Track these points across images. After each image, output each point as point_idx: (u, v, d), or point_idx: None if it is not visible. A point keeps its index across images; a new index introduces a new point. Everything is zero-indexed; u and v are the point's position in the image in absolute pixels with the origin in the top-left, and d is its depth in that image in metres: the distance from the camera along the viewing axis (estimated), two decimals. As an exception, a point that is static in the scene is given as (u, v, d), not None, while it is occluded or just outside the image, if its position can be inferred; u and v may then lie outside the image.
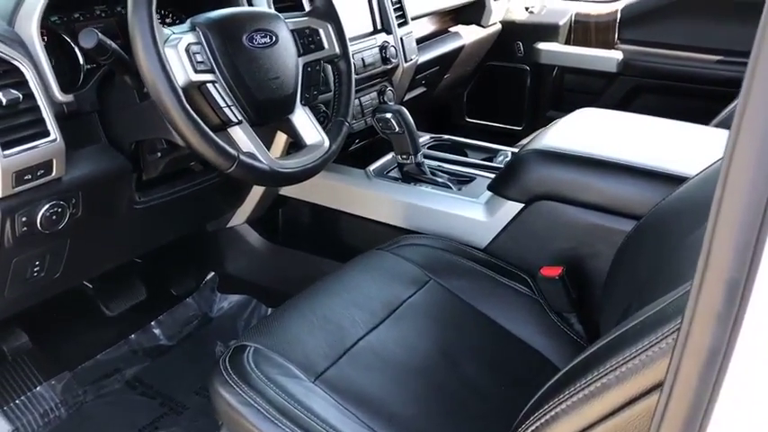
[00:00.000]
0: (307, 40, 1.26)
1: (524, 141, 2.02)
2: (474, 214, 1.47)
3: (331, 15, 1.31)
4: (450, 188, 1.57)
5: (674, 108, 1.97)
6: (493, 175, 1.59)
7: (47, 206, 1.08)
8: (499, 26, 2.44)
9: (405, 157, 1.59)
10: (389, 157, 1.72)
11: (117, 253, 1.42)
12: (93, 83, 1.17)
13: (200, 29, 1.09)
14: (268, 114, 1.19)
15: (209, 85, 1.07)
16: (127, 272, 1.64)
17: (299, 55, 1.24)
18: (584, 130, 1.49)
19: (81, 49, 1.13)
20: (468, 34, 2.26)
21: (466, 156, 1.78)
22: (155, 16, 0.99)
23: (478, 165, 1.67)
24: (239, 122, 1.10)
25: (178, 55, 1.03)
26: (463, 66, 2.34)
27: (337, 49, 1.31)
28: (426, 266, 1.35)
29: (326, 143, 1.25)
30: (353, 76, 1.35)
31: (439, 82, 2.24)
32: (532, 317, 1.31)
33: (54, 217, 1.10)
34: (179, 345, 1.79)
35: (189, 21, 1.11)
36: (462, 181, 1.61)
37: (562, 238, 1.35)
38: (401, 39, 1.81)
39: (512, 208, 1.41)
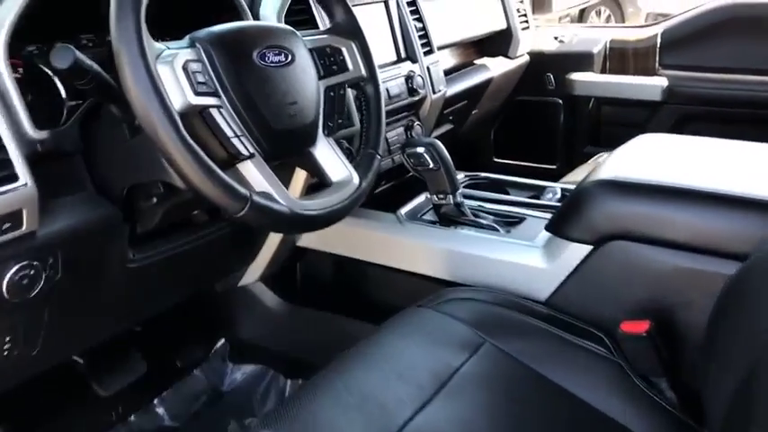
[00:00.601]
0: (328, 61, 1.07)
1: (570, 177, 1.81)
2: (531, 260, 1.24)
3: (355, 33, 1.12)
4: (498, 231, 1.35)
5: (731, 136, 1.76)
6: (546, 215, 1.37)
7: (15, 268, 0.87)
8: (527, 58, 2.26)
9: (441, 196, 1.38)
10: (423, 198, 1.51)
11: (108, 323, 1.19)
12: (76, 118, 0.97)
13: (200, 45, 0.89)
14: (285, 147, 0.98)
15: (214, 111, 0.87)
16: (123, 342, 1.41)
17: (320, 77, 1.04)
18: (654, 157, 1.27)
19: (62, 80, 0.94)
20: (496, 66, 2.08)
21: (508, 194, 1.57)
22: (144, 26, 0.80)
23: (526, 203, 1.45)
24: (251, 156, 0.90)
25: (174, 73, 0.83)
26: (491, 100, 2.14)
27: (363, 71, 1.11)
28: (478, 325, 1.13)
29: (356, 179, 1.04)
30: (383, 101, 1.15)
31: (467, 118, 2.04)
32: (614, 384, 1.07)
33: (25, 281, 0.89)
34: (186, 425, 1.54)
35: (187, 36, 0.91)
36: (510, 222, 1.39)
37: (643, 286, 1.12)
38: (428, 68, 1.62)
39: (577, 251, 1.18)
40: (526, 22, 2.21)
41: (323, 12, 1.32)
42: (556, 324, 1.15)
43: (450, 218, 1.38)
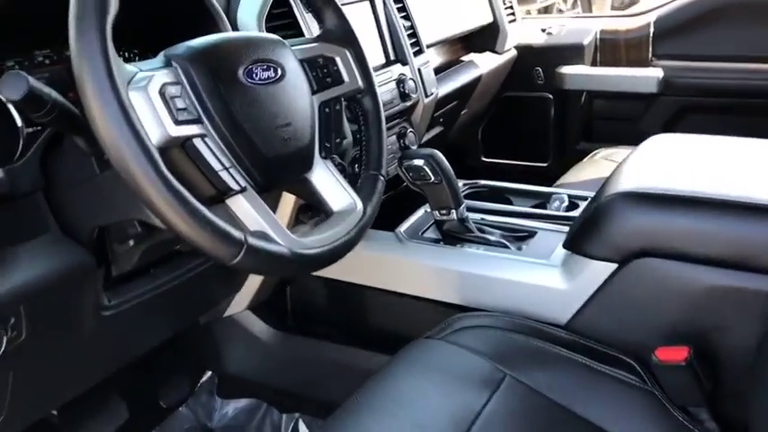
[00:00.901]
0: (321, 73, 0.94)
1: (569, 178, 1.71)
2: (548, 281, 1.14)
3: (349, 39, 1.00)
4: (508, 248, 1.24)
5: (732, 128, 1.68)
6: (558, 227, 1.27)
7: None
8: (515, 52, 2.15)
9: (444, 212, 1.27)
10: (422, 212, 1.40)
11: (82, 377, 1.07)
12: (35, 151, 0.84)
13: (177, 63, 0.77)
14: (279, 175, 0.86)
15: (197, 141, 0.74)
16: (101, 387, 1.28)
17: (313, 92, 0.92)
18: (676, 162, 1.17)
19: (16, 105, 0.81)
20: (484, 63, 1.97)
21: (511, 204, 1.46)
22: (110, 45, 0.67)
23: (534, 214, 1.34)
24: (242, 190, 0.78)
25: (149, 101, 0.71)
26: (480, 99, 2.04)
27: (360, 83, 1.00)
28: (496, 357, 1.02)
29: (359, 206, 0.93)
30: (383, 115, 1.03)
31: (456, 119, 1.93)
32: (650, 416, 0.98)
33: (-17, 347, 0.76)
34: (174, 468, 1.42)
35: (161, 54, 0.79)
36: (520, 237, 1.29)
37: (677, 308, 1.02)
38: (418, 70, 1.51)
39: (600, 270, 1.08)
40: (513, 14, 2.10)
41: (309, 17, 1.21)
42: (580, 351, 1.05)
43: (454, 235, 1.27)
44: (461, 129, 2.07)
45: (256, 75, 0.82)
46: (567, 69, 2.11)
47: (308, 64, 0.93)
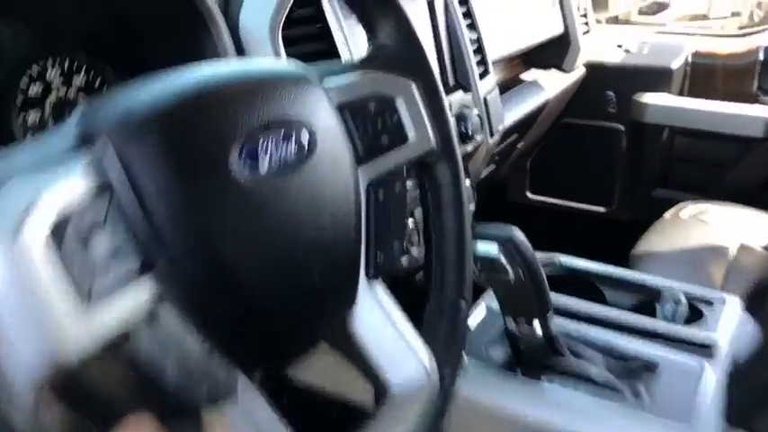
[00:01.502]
0: (372, 127, 0.53)
1: (653, 247, 1.32)
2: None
3: (417, 66, 0.58)
4: (619, 392, 0.83)
5: None
6: (688, 356, 0.87)
7: None
8: (583, 70, 1.74)
9: (522, 321, 0.86)
10: (484, 312, 0.99)
11: None
12: None
13: (109, 142, 0.35)
14: (294, 349, 0.46)
15: (140, 338, 0.34)
16: None
17: (359, 161, 0.51)
18: None
19: None
20: (550, 84, 1.56)
21: (602, 295, 1.06)
22: None
23: (646, 331, 0.93)
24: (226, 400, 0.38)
25: (26, 262, 0.30)
26: (539, 128, 1.63)
27: (432, 140, 0.58)
28: None
29: (431, 367, 0.53)
30: (465, 192, 0.61)
31: (511, 153, 1.53)
32: None
33: None
34: None
35: (79, 114, 0.37)
36: (633, 370, 0.88)
37: None
38: (484, 99, 1.10)
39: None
40: (586, 24, 1.70)
41: (347, 24, 0.81)
42: None
43: (536, 359, 0.87)
44: (513, 164, 1.67)
45: (267, 155, 0.41)
46: (648, 98, 1.69)
47: (351, 111, 0.51)
